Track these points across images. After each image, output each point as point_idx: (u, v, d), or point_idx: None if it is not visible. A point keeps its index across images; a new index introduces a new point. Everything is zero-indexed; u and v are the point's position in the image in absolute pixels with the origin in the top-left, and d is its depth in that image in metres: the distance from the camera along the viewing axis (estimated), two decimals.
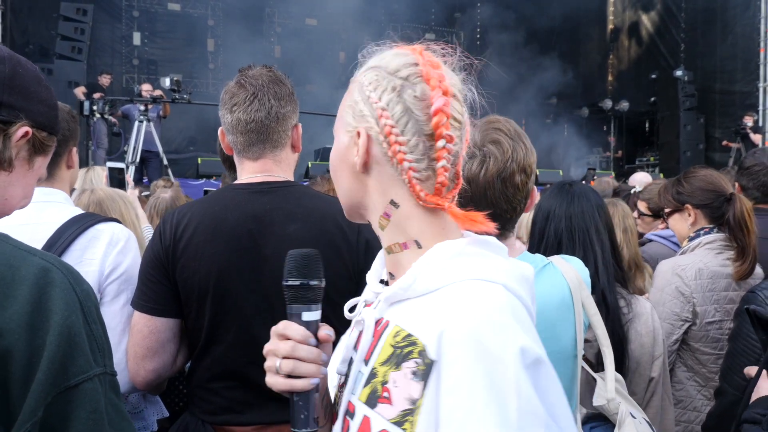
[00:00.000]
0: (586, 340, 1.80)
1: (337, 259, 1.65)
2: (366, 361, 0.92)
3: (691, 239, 2.49)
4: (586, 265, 1.90)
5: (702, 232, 2.48)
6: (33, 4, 13.22)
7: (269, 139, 1.73)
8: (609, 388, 1.54)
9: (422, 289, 0.90)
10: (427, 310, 0.87)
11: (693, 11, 15.47)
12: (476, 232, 0.95)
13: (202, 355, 1.68)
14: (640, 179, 5.75)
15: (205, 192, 3.11)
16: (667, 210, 2.62)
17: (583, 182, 9.31)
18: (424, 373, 0.82)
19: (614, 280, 2.00)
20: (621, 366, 1.94)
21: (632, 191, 4.23)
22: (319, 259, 1.01)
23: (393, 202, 0.95)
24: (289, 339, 0.96)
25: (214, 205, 1.70)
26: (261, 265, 1.63)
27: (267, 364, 0.97)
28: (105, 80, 11.70)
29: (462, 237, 0.96)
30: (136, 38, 16.16)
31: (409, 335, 0.87)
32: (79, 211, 1.92)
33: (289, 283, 0.98)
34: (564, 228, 1.97)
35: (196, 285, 1.63)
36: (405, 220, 0.95)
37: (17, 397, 0.80)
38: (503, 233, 1.43)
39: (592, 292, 1.92)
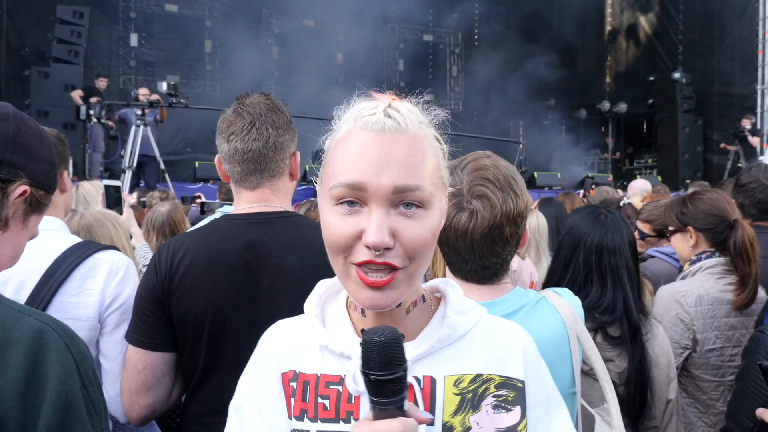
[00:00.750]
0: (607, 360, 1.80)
1: None
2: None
3: (693, 263, 2.46)
4: (614, 304, 1.88)
5: (703, 256, 2.44)
6: (29, 7, 13.17)
7: (267, 168, 1.70)
8: (617, 425, 1.50)
9: (456, 335, 0.94)
10: (474, 349, 0.94)
11: (691, 13, 15.47)
12: None
13: (197, 389, 1.64)
14: (639, 186, 5.72)
15: (201, 205, 3.07)
16: (670, 228, 2.60)
17: (582, 191, 9.30)
18: (516, 399, 0.91)
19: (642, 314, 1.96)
20: (644, 392, 1.92)
21: (622, 203, 4.18)
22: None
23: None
24: None
25: (210, 236, 1.67)
26: (258, 299, 1.60)
27: None
28: (102, 83, 11.65)
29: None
30: (133, 40, 16.13)
31: (478, 375, 0.92)
32: (76, 239, 1.88)
33: (390, 377, 0.79)
34: (594, 263, 1.91)
35: (192, 319, 1.60)
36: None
37: None
38: (494, 281, 1.39)
39: (619, 323, 1.88)
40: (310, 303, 1.03)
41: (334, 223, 0.87)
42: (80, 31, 12.21)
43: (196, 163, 11.91)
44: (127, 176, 9.31)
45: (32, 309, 0.92)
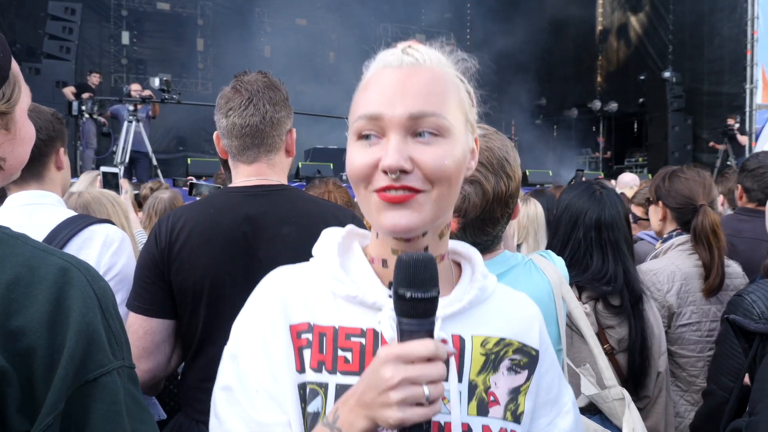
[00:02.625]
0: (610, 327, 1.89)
1: None
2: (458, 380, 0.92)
3: (665, 240, 2.51)
4: (615, 276, 1.94)
5: (675, 233, 2.49)
6: (20, 3, 13.10)
7: (264, 143, 1.75)
8: (608, 376, 1.57)
9: (483, 298, 0.97)
10: (497, 314, 0.98)
11: (681, 13, 15.59)
12: None
13: (195, 355, 1.70)
14: (627, 181, 5.80)
15: (190, 186, 3.13)
16: (650, 198, 2.67)
17: (574, 183, 9.36)
18: (528, 364, 0.97)
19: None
20: (647, 359, 1.98)
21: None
22: None
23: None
24: (436, 360, 0.78)
25: (209, 208, 1.72)
26: (255, 268, 1.64)
27: (408, 395, 0.76)
28: (94, 79, 11.61)
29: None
30: (125, 38, 16.06)
31: (501, 339, 0.96)
32: (72, 213, 1.92)
33: (426, 295, 0.78)
34: (594, 239, 1.96)
35: (191, 287, 1.64)
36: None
37: (41, 392, 0.83)
38: (485, 254, 1.41)
39: (620, 294, 1.94)
40: (328, 251, 0.98)
41: (355, 155, 0.88)
42: (72, 27, 12.14)
43: (189, 160, 11.89)
44: (120, 173, 9.29)
45: (55, 249, 0.96)
